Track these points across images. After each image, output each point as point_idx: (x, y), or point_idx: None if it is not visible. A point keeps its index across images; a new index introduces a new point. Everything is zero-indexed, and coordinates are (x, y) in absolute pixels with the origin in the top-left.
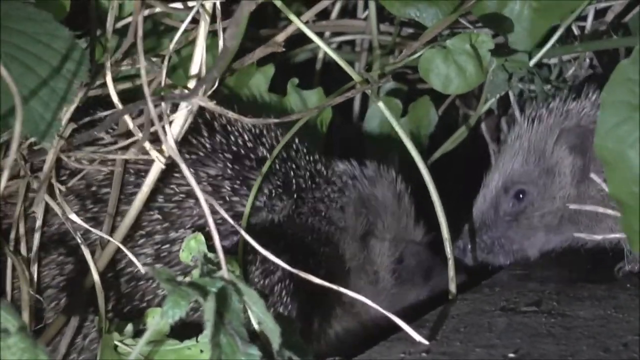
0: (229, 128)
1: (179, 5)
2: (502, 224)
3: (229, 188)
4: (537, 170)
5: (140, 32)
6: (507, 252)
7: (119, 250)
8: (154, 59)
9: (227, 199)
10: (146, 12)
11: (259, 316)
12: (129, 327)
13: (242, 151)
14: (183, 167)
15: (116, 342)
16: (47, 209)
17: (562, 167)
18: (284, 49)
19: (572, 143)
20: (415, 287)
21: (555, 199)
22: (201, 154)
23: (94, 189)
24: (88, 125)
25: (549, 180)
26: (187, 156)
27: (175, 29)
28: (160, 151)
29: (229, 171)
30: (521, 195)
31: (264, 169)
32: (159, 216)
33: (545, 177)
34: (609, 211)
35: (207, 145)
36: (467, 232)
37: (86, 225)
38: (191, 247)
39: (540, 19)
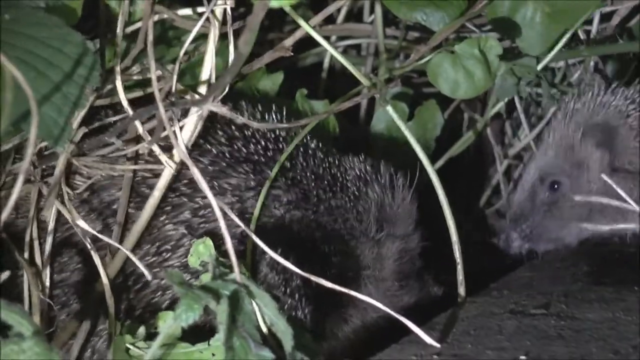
0: (247, 133)
1: (188, 11)
2: (539, 213)
3: (253, 200)
4: (567, 163)
5: (150, 38)
6: (546, 241)
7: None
8: (164, 65)
9: (250, 210)
10: (156, 17)
11: (271, 318)
12: (141, 330)
13: (263, 159)
14: (194, 170)
15: (128, 345)
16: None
17: (591, 161)
18: (292, 54)
19: (598, 139)
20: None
21: (584, 191)
22: (223, 164)
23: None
24: (98, 129)
25: (579, 173)
26: (210, 168)
27: (185, 31)
28: (171, 157)
29: (251, 182)
30: (556, 186)
31: (272, 174)
32: (185, 231)
33: (576, 170)
34: (614, 202)
35: (227, 155)
36: (509, 223)
37: (93, 231)
38: (200, 252)
39: (552, 23)
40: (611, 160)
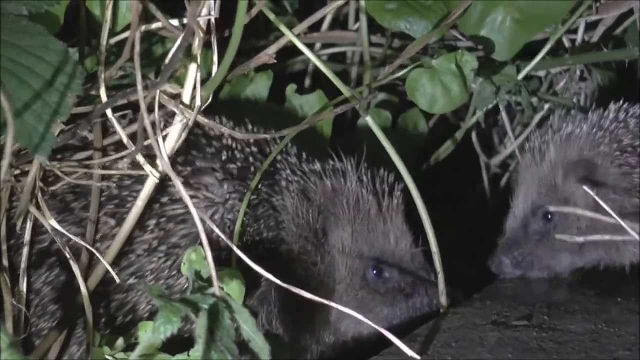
0: (228, 141)
1: (175, 22)
2: (532, 242)
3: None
4: (554, 201)
5: (137, 49)
6: (537, 269)
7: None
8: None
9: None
10: (142, 27)
11: (249, 334)
12: (120, 341)
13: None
14: (177, 183)
15: (107, 356)
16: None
17: (576, 197)
18: (275, 61)
19: (580, 175)
20: (393, 303)
21: (573, 227)
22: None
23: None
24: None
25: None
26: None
27: (168, 42)
28: (155, 165)
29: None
30: (549, 216)
31: (252, 184)
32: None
33: (563, 205)
34: (601, 217)
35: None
36: (501, 248)
37: (74, 237)
38: (192, 260)
39: (521, 30)
40: (596, 192)
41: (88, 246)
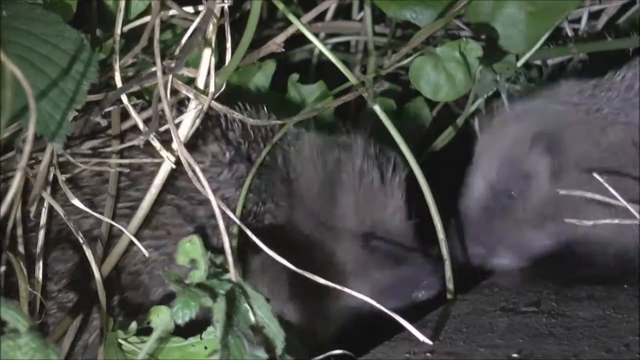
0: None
1: (189, 9)
2: (491, 222)
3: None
4: (515, 174)
5: (157, 35)
6: (504, 249)
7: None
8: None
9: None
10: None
11: (264, 320)
12: (133, 325)
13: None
14: (196, 168)
15: (120, 340)
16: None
17: (539, 168)
18: (283, 50)
19: (546, 145)
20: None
21: (534, 199)
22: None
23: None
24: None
25: (526, 182)
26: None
27: (181, 29)
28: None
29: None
30: (505, 195)
31: (252, 172)
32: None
33: (522, 179)
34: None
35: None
36: (456, 233)
37: (98, 215)
38: (187, 251)
39: (535, 22)
40: (562, 164)
41: (109, 220)
